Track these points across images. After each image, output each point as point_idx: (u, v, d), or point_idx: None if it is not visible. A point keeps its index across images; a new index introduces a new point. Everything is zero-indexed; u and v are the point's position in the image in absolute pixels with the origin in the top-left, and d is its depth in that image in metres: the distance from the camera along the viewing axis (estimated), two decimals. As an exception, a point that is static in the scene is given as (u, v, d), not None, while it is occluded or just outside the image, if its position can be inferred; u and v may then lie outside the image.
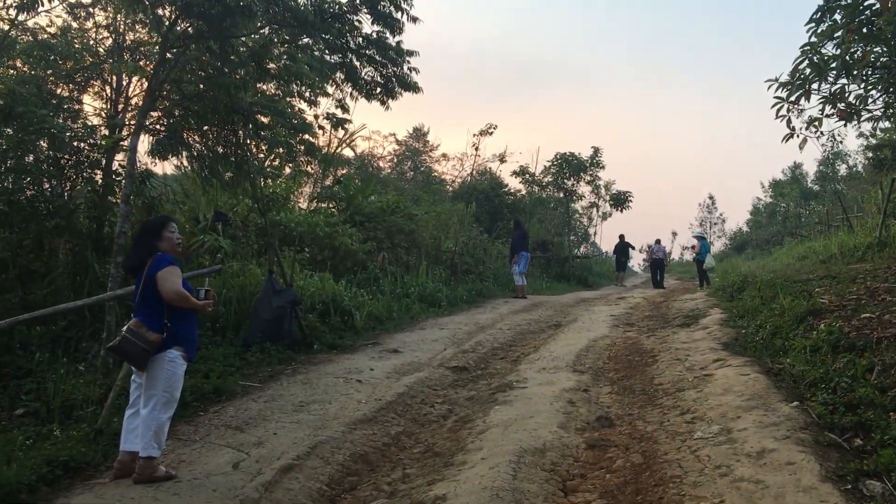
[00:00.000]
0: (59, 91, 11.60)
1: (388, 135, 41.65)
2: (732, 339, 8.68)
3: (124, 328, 4.95)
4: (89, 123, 11.40)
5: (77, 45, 11.60)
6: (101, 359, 6.74)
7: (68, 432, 5.67)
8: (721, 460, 4.67)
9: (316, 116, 18.81)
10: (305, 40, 15.14)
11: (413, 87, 10.31)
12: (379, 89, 10.17)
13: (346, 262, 14.21)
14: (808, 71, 9.12)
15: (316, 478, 5.06)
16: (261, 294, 9.36)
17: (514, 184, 30.86)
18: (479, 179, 29.95)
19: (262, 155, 17.29)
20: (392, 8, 9.61)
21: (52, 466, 4.96)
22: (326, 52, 14.08)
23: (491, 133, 22.45)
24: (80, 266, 9.34)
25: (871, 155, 16.38)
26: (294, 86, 18.11)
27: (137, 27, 11.41)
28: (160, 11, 7.85)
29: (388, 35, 9.89)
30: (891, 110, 10.07)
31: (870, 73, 9.56)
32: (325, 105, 24.68)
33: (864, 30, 8.67)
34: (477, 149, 22.10)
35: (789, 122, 9.41)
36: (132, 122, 11.23)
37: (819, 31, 8.96)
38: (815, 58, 8.90)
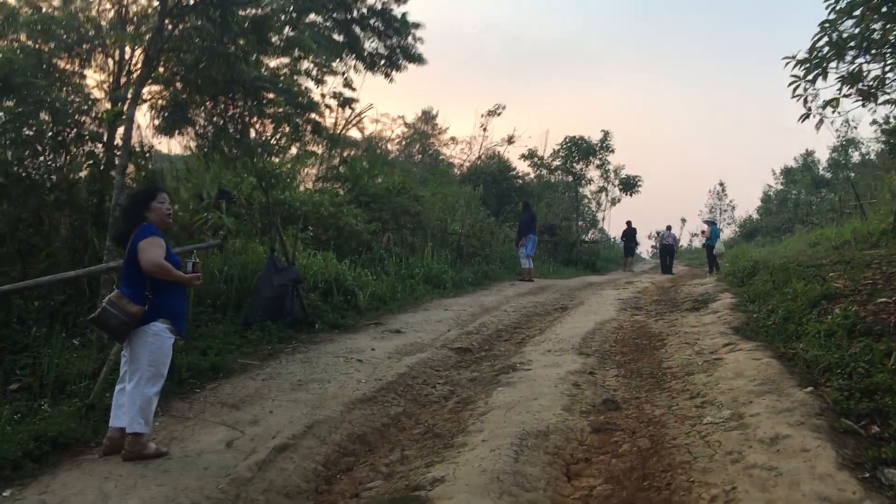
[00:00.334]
0: (61, 64, 11.42)
1: (396, 117, 41.36)
2: (743, 324, 8.47)
3: (105, 300, 4.79)
4: (92, 96, 11.23)
5: (80, 17, 11.40)
6: (97, 333, 6.58)
7: (59, 407, 5.52)
8: (732, 446, 4.47)
9: (323, 95, 18.63)
10: (312, 17, 14.94)
11: (418, 59, 10.08)
12: (383, 61, 9.93)
13: (351, 242, 14.04)
14: (826, 49, 8.85)
15: (311, 458, 4.91)
16: (262, 272, 9.19)
17: (523, 167, 30.63)
18: (487, 163, 29.68)
19: (267, 133, 17.14)
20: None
21: (40, 442, 4.81)
22: (333, 29, 13.88)
23: (499, 113, 22.20)
24: (80, 241, 9.20)
25: (885, 139, 16.05)
26: (300, 63, 17.91)
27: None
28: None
29: (392, 5, 9.64)
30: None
31: (889, 53, 9.28)
32: (332, 84, 24.28)
33: (885, 8, 8.39)
34: (485, 129, 21.75)
35: (806, 101, 9.14)
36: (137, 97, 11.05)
37: (838, 7, 8.68)
38: (833, 35, 8.63)
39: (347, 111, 19.95)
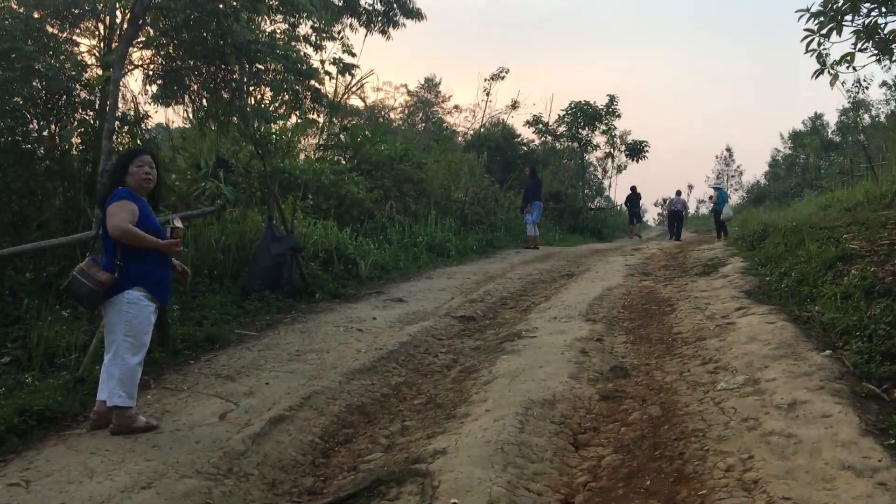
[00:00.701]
0: (50, 30, 11.11)
1: (399, 86, 40.89)
2: (755, 287, 8.23)
3: (76, 268, 4.56)
4: (83, 62, 10.94)
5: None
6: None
7: (47, 380, 5.33)
8: (748, 412, 4.25)
9: (322, 62, 18.29)
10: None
11: (416, 15, 9.74)
12: (380, 18, 9.61)
13: (353, 210, 13.79)
14: (840, 2, 8.50)
15: (308, 430, 4.71)
16: (260, 241, 8.97)
17: (528, 134, 30.17)
18: (492, 130, 29.26)
19: (266, 101, 16.81)
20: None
21: (25, 416, 4.61)
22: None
23: (503, 77, 21.69)
24: (72, 210, 8.98)
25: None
26: (298, 28, 17.53)
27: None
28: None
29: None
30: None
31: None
32: (332, 50, 23.87)
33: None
34: (488, 94, 21.31)
35: (819, 56, 8.81)
36: (128, 63, 10.76)
37: (854, -42, 8.31)
38: (848, -13, 8.27)
39: (348, 78, 19.58)
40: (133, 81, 10.64)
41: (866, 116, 33.74)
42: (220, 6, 7.45)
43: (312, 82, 17.76)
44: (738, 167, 64.69)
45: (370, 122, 25.52)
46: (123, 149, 9.93)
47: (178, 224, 4.81)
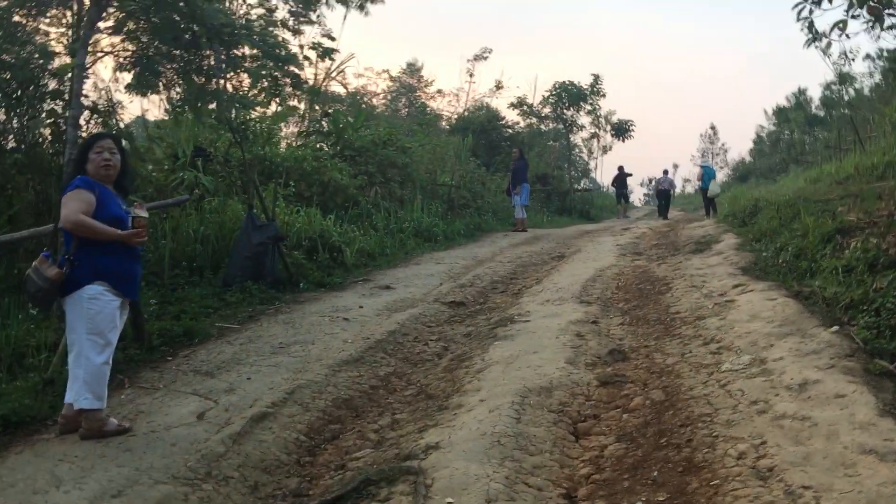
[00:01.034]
0: (16, 18, 10.72)
1: (381, 71, 40.38)
2: (751, 264, 8.02)
3: (31, 265, 4.25)
4: (52, 51, 10.57)
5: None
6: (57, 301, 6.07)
7: (15, 383, 5.03)
8: (757, 395, 4.03)
9: (301, 47, 17.88)
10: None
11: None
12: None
13: (337, 197, 13.47)
14: (832, -33, 8.28)
15: (293, 427, 4.45)
16: (240, 230, 8.66)
17: (512, 116, 29.82)
18: (476, 113, 28.91)
19: (244, 87, 16.41)
20: None
21: (-12, 422, 4.33)
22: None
23: (486, 58, 21.30)
24: (44, 204, 8.63)
25: (888, 66, 15.47)
26: (275, 13, 17.13)
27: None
28: None
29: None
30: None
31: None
32: (311, 34, 23.49)
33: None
34: (471, 75, 20.94)
35: (811, 25, 8.59)
36: (98, 50, 10.41)
37: (846, -80, 8.07)
38: (841, -49, 8.03)
39: (328, 63, 19.18)
40: (105, 69, 10.23)
41: (851, 90, 33.60)
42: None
43: (292, 68, 17.39)
44: (723, 145, 64.62)
45: (353, 108, 25.14)
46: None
47: (141, 213, 4.47)
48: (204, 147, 12.15)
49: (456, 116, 30.01)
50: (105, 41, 10.14)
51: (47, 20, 11.17)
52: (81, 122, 9.16)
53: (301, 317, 7.19)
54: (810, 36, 8.62)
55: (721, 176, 54.80)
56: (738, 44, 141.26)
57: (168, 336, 6.22)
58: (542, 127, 30.15)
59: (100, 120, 9.76)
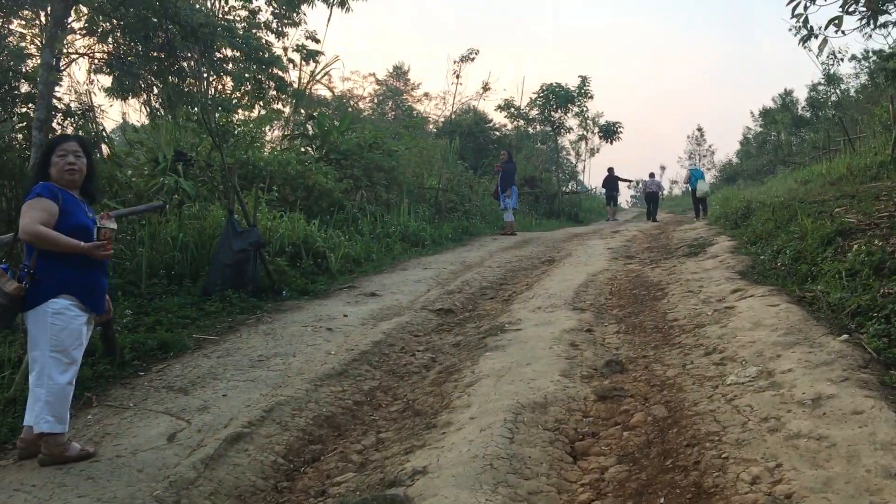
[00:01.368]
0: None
1: (367, 75, 40.19)
2: (748, 267, 7.78)
3: None
4: (27, 53, 10.23)
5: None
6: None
7: (-28, 404, 4.71)
8: (767, 411, 3.75)
9: (285, 49, 17.57)
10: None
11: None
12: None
13: (322, 201, 13.16)
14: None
15: (270, 448, 4.15)
16: (220, 237, 8.35)
17: (500, 119, 29.62)
18: (463, 116, 28.66)
19: (227, 90, 16.08)
20: None
21: (-60, 448, 4.01)
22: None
23: (472, 59, 21.00)
24: (16, 211, 8.27)
25: (883, 66, 15.32)
26: (258, 15, 16.80)
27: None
28: None
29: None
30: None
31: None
32: (295, 36, 23.06)
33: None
34: (458, 77, 20.66)
35: (806, 21, 8.37)
36: (72, 53, 10.08)
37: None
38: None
39: (312, 66, 18.88)
40: (80, 72, 9.90)
41: (838, 91, 33.57)
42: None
43: (276, 70, 17.06)
44: (710, 146, 64.71)
45: (339, 112, 24.84)
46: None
47: (109, 224, 4.14)
48: (185, 151, 11.83)
49: (443, 119, 29.77)
50: (80, 42, 9.83)
51: (21, 22, 10.83)
52: (55, 126, 8.86)
53: (282, 327, 6.88)
54: (805, 32, 8.40)
55: (708, 177, 54.86)
56: (725, 45, 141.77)
57: (141, 349, 5.90)
58: (530, 129, 29.92)
59: (77, 123, 9.45)
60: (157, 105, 8.61)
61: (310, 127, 17.08)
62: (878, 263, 5.66)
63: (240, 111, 16.48)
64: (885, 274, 5.47)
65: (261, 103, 16.92)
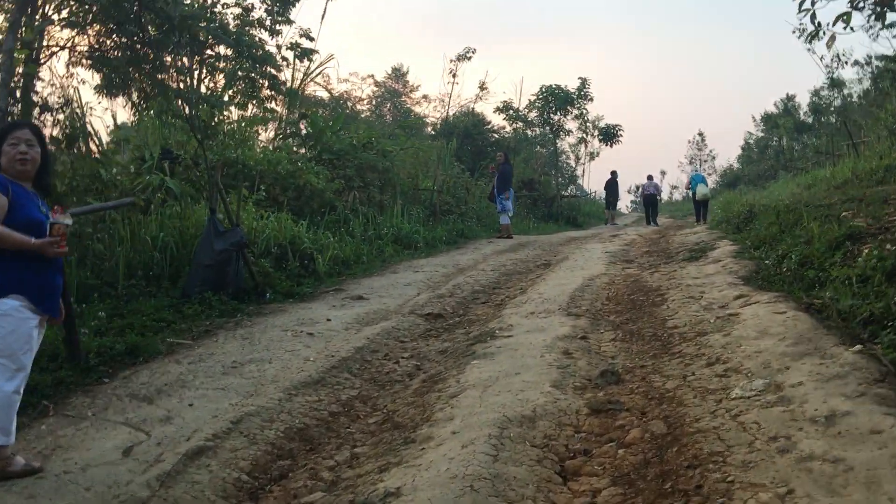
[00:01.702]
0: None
1: (366, 76, 39.92)
2: (752, 272, 7.45)
3: None
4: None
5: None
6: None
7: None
8: (776, 429, 3.41)
9: (278, 47, 17.26)
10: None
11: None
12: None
13: (313, 202, 12.83)
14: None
15: (234, 464, 3.80)
16: (201, 237, 8.02)
17: (498, 121, 29.32)
18: (461, 118, 28.35)
19: (217, 87, 15.75)
20: None
21: None
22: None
23: (469, 58, 20.69)
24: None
25: (890, 67, 15.04)
26: (251, 13, 16.48)
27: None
28: None
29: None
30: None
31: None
32: (289, 34, 22.79)
33: None
34: (454, 76, 20.29)
35: (814, 16, 8.07)
36: (51, 44, 9.74)
37: None
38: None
39: (306, 64, 18.54)
40: (59, 64, 9.56)
41: (841, 95, 33.29)
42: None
43: (269, 68, 16.71)
44: (711, 151, 64.40)
45: (336, 112, 24.52)
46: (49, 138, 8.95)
47: (63, 220, 3.81)
48: (171, 149, 11.51)
49: (440, 120, 29.46)
50: (60, 34, 9.49)
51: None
52: (34, 122, 8.52)
53: (262, 331, 6.55)
54: (812, 29, 8.10)
55: (710, 183, 54.58)
56: (727, 50, 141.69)
57: (108, 354, 5.56)
58: (529, 132, 29.61)
59: (55, 118, 9.13)
60: (136, 100, 8.27)
61: (303, 126, 16.76)
62: (891, 269, 5.33)
63: (233, 109, 16.18)
64: (899, 280, 5.14)
65: (254, 102, 16.61)
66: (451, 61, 20.85)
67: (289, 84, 18.17)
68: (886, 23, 8.82)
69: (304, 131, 16.50)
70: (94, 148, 11.41)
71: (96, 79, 10.89)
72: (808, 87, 50.39)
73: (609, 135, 29.72)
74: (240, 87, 16.41)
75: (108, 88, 11.49)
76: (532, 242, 15.17)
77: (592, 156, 37.48)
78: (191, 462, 3.72)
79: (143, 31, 7.16)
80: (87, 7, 6.97)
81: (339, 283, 9.25)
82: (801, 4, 7.99)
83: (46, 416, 4.46)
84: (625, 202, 50.42)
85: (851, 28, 8.15)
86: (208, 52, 15.17)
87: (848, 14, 8.00)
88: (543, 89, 27.16)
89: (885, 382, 3.72)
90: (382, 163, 15.83)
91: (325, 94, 27.86)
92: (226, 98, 15.75)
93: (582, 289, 7.99)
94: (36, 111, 8.18)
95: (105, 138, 12.68)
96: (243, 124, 14.81)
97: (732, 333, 5.14)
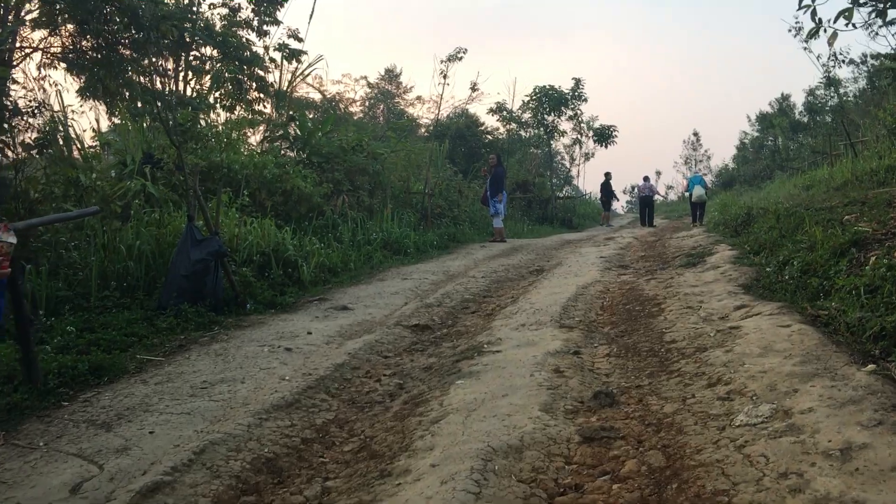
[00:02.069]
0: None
1: (358, 78, 39.54)
2: (752, 280, 7.14)
3: None
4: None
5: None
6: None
7: None
8: (787, 463, 3.09)
9: (266, 48, 16.92)
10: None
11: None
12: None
13: (300, 207, 12.50)
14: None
15: (193, 502, 3.46)
16: (178, 246, 7.68)
17: (491, 122, 28.99)
18: (454, 119, 28.00)
19: (203, 88, 15.40)
20: None
21: None
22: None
23: (461, 58, 20.26)
24: None
25: (890, 65, 14.74)
26: (238, 12, 16.15)
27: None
28: None
29: None
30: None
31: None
32: (277, 35, 22.35)
33: None
34: (445, 76, 19.91)
35: (814, 13, 7.78)
36: (25, 45, 9.39)
37: None
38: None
39: (295, 65, 18.19)
40: (34, 66, 9.20)
41: (838, 94, 32.99)
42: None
43: (256, 70, 16.36)
44: (706, 151, 63.96)
45: (325, 114, 24.15)
46: (20, 144, 8.62)
47: (6, 238, 3.48)
48: (153, 154, 11.17)
49: (433, 122, 29.10)
50: (35, 35, 9.14)
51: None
52: (4, 126, 8.18)
53: (237, 346, 6.20)
54: (813, 27, 7.80)
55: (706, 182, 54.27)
56: (722, 49, 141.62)
57: (70, 375, 5.20)
58: (523, 133, 29.29)
59: (26, 122, 8.77)
60: (110, 102, 7.93)
61: (293, 128, 16.42)
62: (903, 279, 5.01)
63: (220, 112, 15.85)
64: (912, 291, 4.82)
65: (241, 104, 16.28)
66: (442, 62, 20.44)
67: (277, 86, 17.85)
68: (887, 20, 8.45)
69: (292, 134, 16.15)
70: (76, 153, 11.09)
71: (70, 81, 10.61)
72: (804, 87, 49.93)
73: (604, 135, 29.41)
74: (227, 90, 16.08)
75: (87, 91, 11.16)
76: (525, 246, 14.84)
77: (587, 157, 37.22)
78: (144, 500, 3.38)
79: (109, 30, 6.79)
80: (51, 7, 6.61)
81: (325, 292, 8.91)
82: (801, 1, 7.70)
83: (-6, 447, 4.12)
84: (621, 202, 50.18)
85: (854, 25, 7.87)
86: (193, 53, 14.85)
87: (850, 10, 7.72)
88: (537, 90, 26.86)
89: (904, 409, 3.40)
90: (373, 166, 15.50)
91: (317, 96, 27.50)
92: (212, 100, 15.43)
93: (575, 298, 7.67)
94: (6, 115, 7.82)
95: (88, 143, 12.39)
96: (229, 127, 14.45)
97: (734, 349, 4.82)
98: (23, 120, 8.22)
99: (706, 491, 3.04)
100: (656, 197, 30.30)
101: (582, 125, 29.89)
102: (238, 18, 16.39)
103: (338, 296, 8.65)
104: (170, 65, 12.95)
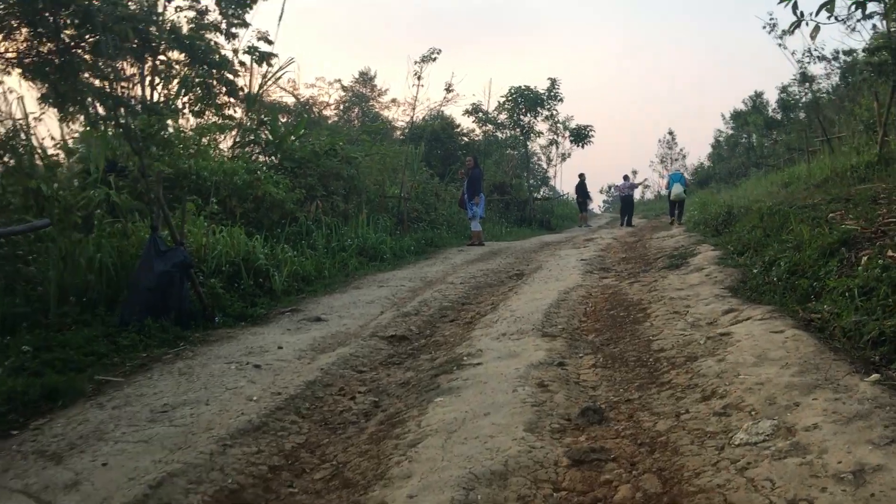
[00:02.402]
0: None
1: (332, 81, 39.14)
2: (738, 282, 6.93)
3: None
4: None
5: None
6: None
7: None
8: (794, 489, 2.84)
9: (235, 51, 16.52)
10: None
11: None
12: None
13: (272, 213, 12.14)
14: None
15: (147, 544, 3.15)
16: (141, 258, 7.31)
17: (467, 124, 28.74)
18: (429, 121, 27.71)
19: (170, 93, 14.98)
20: None
21: None
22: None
23: (434, 59, 19.93)
24: None
25: (868, 60, 14.68)
26: (206, 15, 15.75)
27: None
28: None
29: None
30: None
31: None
32: (246, 38, 21.92)
33: None
34: (420, 78, 19.58)
35: (796, 6, 7.62)
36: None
37: None
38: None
39: (265, 68, 17.78)
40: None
41: (812, 90, 33.08)
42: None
43: (225, 74, 15.93)
44: (682, 150, 64.23)
45: (298, 118, 23.77)
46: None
47: None
48: (117, 161, 10.78)
49: (408, 124, 28.81)
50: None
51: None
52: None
53: (203, 364, 5.86)
54: (795, 20, 7.64)
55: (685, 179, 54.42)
56: (696, 48, 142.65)
57: (21, 400, 4.85)
58: (499, 134, 29.06)
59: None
60: (66, 109, 7.56)
61: (263, 134, 16.04)
62: (898, 280, 4.80)
63: (189, 117, 15.43)
64: (910, 293, 4.61)
65: (211, 109, 15.86)
66: (416, 63, 20.10)
67: (247, 90, 17.46)
68: (867, 13, 8.31)
69: (264, 138, 15.77)
70: (38, 161, 10.66)
71: (26, 87, 10.19)
72: (776, 84, 50.21)
73: (580, 135, 29.27)
74: (195, 94, 15.66)
75: (49, 98, 10.75)
76: (504, 250, 14.59)
77: (564, 157, 37.07)
78: (93, 544, 3.07)
79: (65, 33, 6.43)
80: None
81: (297, 302, 8.58)
82: (782, -7, 7.54)
83: (-68, 484, 3.77)
84: (597, 202, 50.19)
85: (836, 17, 7.74)
86: (160, 57, 14.42)
87: (831, 2, 7.57)
88: (513, 90, 26.65)
89: (916, 423, 3.16)
90: (347, 170, 15.17)
91: (290, 100, 27.10)
92: (180, 104, 15.01)
93: (557, 304, 7.41)
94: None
95: (51, 151, 11.95)
96: (198, 133, 14.05)
97: (727, 358, 4.57)
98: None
99: (708, 521, 2.78)
100: (636, 192, 30.29)
101: (558, 125, 29.75)
102: (206, 21, 15.99)
103: (311, 306, 8.33)
104: (133, 69, 12.54)
